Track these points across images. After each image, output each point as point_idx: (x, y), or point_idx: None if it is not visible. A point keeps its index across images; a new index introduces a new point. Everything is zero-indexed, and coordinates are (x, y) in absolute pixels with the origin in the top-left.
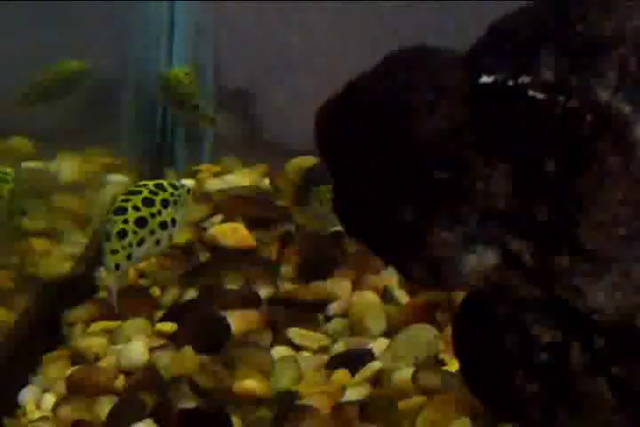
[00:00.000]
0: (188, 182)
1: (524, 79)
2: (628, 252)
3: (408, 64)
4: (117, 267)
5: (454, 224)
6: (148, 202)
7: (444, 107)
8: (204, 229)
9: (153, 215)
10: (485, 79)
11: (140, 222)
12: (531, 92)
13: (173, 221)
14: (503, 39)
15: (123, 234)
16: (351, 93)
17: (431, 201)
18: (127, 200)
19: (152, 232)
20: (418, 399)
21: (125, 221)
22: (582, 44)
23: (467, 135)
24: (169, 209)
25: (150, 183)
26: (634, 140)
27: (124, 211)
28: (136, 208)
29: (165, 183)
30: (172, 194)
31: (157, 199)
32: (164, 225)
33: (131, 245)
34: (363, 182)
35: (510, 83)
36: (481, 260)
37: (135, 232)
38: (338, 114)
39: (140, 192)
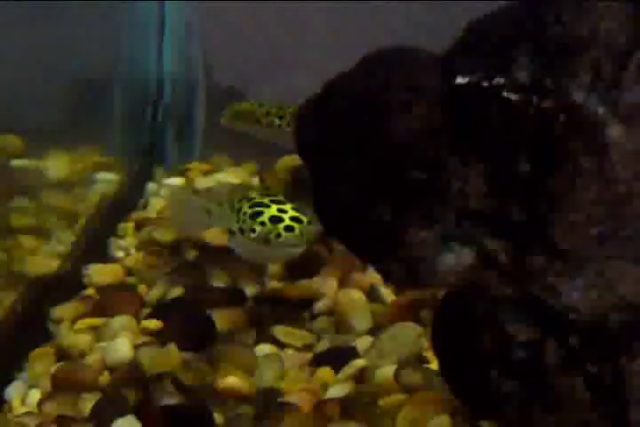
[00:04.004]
0: (178, 181)
1: (499, 80)
2: (601, 251)
3: (385, 65)
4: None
5: (430, 224)
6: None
7: (420, 107)
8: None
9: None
10: (460, 80)
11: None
12: (505, 93)
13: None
14: (478, 40)
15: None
16: (329, 94)
17: (407, 201)
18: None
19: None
20: (399, 397)
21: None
22: (556, 45)
23: (442, 135)
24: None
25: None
26: (606, 140)
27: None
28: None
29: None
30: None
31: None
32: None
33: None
34: (341, 182)
35: (485, 84)
36: (457, 259)
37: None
38: (316, 114)
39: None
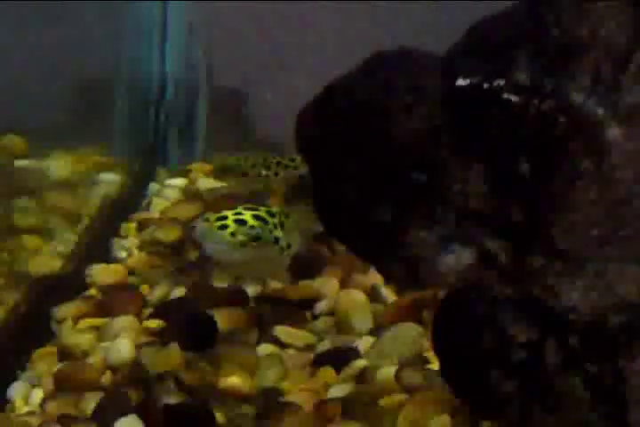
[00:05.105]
0: (180, 182)
1: (499, 82)
2: (601, 252)
3: (387, 66)
4: None
5: (431, 224)
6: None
7: (422, 108)
8: (194, 227)
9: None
10: (461, 82)
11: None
12: (505, 95)
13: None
14: (479, 43)
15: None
16: (331, 95)
17: (408, 201)
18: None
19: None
20: (400, 397)
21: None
22: (556, 47)
23: (443, 136)
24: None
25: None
26: (605, 142)
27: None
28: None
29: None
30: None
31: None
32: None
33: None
34: (342, 183)
35: (485, 86)
36: (458, 259)
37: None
38: (318, 115)
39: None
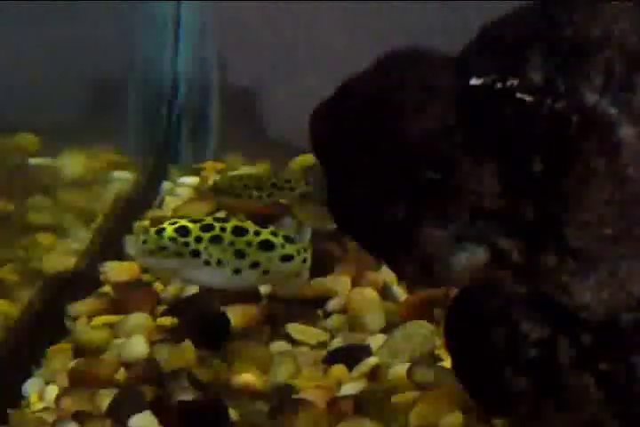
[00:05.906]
0: (192, 180)
1: (512, 82)
2: (614, 251)
3: (400, 65)
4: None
5: (444, 222)
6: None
7: (435, 107)
8: None
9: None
10: (474, 81)
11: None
12: (518, 95)
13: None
14: (492, 42)
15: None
16: (344, 94)
17: (422, 200)
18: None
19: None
20: (412, 394)
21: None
22: (570, 46)
23: (456, 135)
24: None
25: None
26: (618, 141)
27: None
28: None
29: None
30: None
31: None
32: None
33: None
34: (355, 181)
35: (498, 85)
36: (470, 257)
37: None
38: (331, 114)
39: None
